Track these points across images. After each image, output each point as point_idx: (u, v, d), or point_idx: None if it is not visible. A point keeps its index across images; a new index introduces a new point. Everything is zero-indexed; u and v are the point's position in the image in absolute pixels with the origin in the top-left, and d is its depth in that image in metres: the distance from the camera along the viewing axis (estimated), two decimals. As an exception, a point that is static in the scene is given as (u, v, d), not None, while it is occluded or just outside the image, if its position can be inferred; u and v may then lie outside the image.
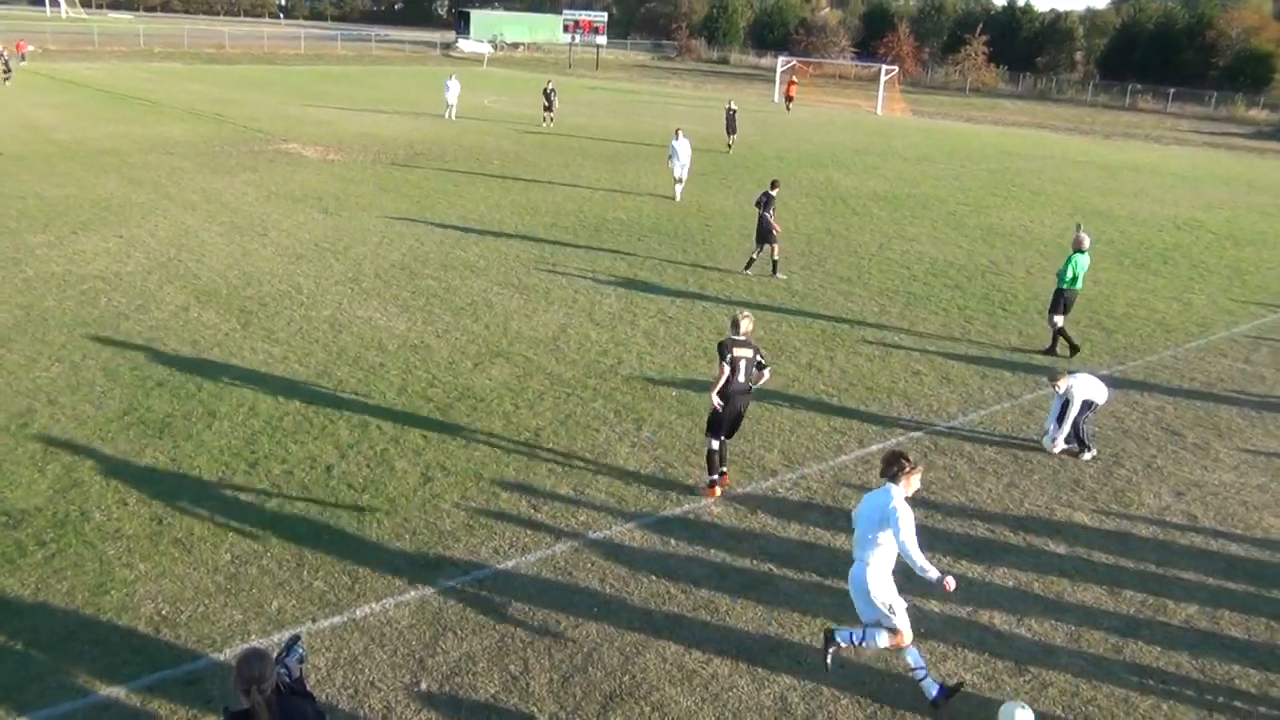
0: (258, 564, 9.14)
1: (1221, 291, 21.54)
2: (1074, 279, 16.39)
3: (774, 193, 20.34)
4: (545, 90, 44.11)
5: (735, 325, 10.86)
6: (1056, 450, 12.61)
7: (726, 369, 10.57)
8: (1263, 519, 11.22)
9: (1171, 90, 79.97)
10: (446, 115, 44.37)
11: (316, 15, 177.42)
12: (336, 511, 10.14)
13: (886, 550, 7.54)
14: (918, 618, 8.90)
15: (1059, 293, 16.54)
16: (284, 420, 12.22)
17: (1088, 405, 12.38)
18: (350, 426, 12.16)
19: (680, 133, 28.17)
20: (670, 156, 28.01)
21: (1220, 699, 8.08)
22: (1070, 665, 8.39)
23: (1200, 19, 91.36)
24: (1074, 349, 16.59)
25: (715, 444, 10.94)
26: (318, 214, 23.77)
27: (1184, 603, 9.43)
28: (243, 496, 10.32)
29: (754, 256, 20.65)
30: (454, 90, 44.57)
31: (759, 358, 10.82)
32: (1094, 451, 12.59)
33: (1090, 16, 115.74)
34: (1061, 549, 10.30)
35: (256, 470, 10.90)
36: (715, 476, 11.04)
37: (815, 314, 17.99)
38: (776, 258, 20.47)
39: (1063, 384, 12.26)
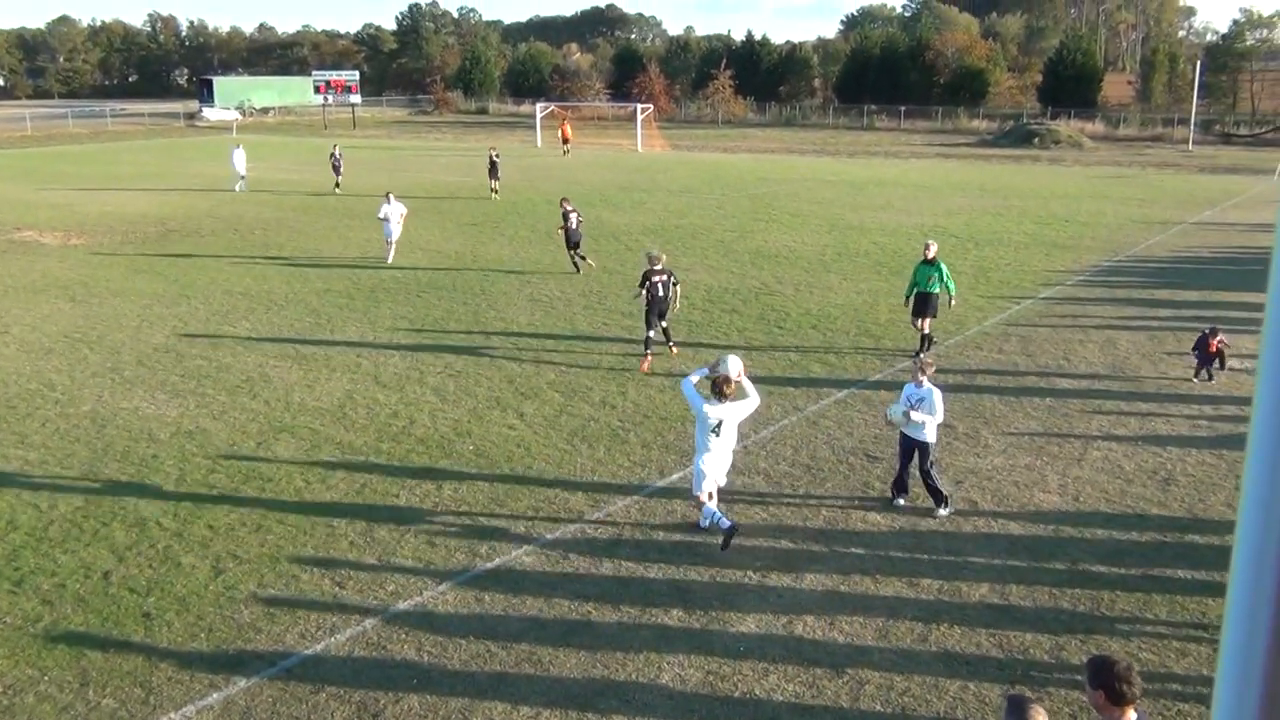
0: (34, 691, 8.33)
1: (970, 289, 23.21)
2: (912, 285, 17.75)
3: (567, 208, 24.89)
4: (332, 154, 42.43)
5: (651, 259, 17.39)
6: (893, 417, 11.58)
7: (643, 292, 17.17)
8: (1034, 496, 12.11)
9: (902, 108, 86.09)
10: (237, 187, 41.84)
11: (41, 94, 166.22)
12: (120, 620, 9.39)
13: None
14: (734, 637, 9.09)
15: (919, 299, 17.64)
16: (49, 530, 11.24)
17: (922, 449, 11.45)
18: (126, 527, 11.32)
19: (391, 196, 27.04)
20: (382, 220, 26.62)
21: (1020, 670, 8.63)
22: (882, 661, 8.75)
23: (919, 42, 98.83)
24: (923, 345, 17.65)
25: (651, 333, 17.15)
26: (64, 303, 22.14)
27: (976, 584, 10.03)
28: (9, 619, 9.40)
29: (576, 259, 25.15)
30: (241, 159, 42.25)
31: (672, 279, 17.30)
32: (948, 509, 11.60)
33: (823, 45, 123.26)
34: (861, 550, 10.76)
35: (22, 588, 9.97)
36: (647, 355, 17.09)
37: (603, 352, 18.19)
38: (582, 255, 25.31)
39: (929, 374, 11.46)
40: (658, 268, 17.19)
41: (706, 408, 10.66)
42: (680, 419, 14.69)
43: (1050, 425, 14.54)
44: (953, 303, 18.24)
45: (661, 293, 17.15)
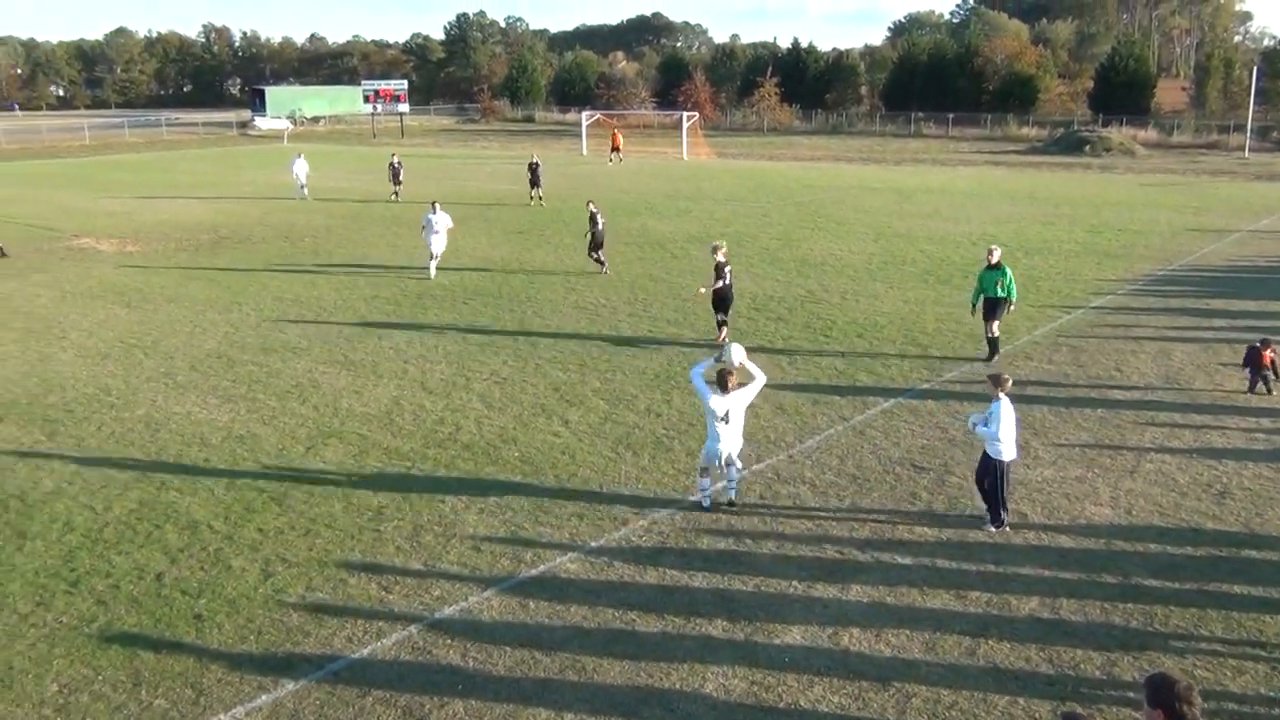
0: (89, 690, 8.49)
1: (1019, 299, 22.88)
2: (978, 292, 18.02)
3: (593, 209, 26.31)
4: (391, 163, 42.92)
5: (717, 250, 19.43)
6: (970, 426, 11.49)
7: (720, 280, 19.16)
8: (1085, 509, 11.92)
9: (950, 116, 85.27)
10: (299, 196, 42.43)
11: (99, 104, 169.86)
12: (172, 621, 9.54)
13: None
14: (779, 648, 9.04)
15: (986, 304, 17.92)
16: (104, 531, 11.46)
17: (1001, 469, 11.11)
18: (178, 529, 11.51)
19: (437, 205, 26.24)
20: (424, 230, 25.92)
21: (1070, 686, 8.49)
22: (929, 675, 8.65)
23: (968, 49, 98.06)
24: (992, 353, 17.97)
25: (720, 316, 19.43)
26: (120, 309, 22.57)
27: (1025, 598, 9.89)
28: (65, 619, 9.59)
29: (599, 259, 26.15)
30: (303, 168, 42.90)
31: None
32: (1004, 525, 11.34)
33: (870, 53, 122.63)
34: (908, 560, 10.66)
35: (78, 589, 10.16)
36: (721, 331, 19.25)
37: (648, 359, 18.20)
38: (602, 257, 26.33)
39: (1004, 388, 11.14)
40: (727, 262, 19.45)
41: (713, 400, 11.52)
42: (725, 427, 14.65)
43: (1102, 437, 14.31)
44: (1011, 308, 18.20)
45: (728, 280, 19.33)
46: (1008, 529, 11.28)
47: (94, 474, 13.14)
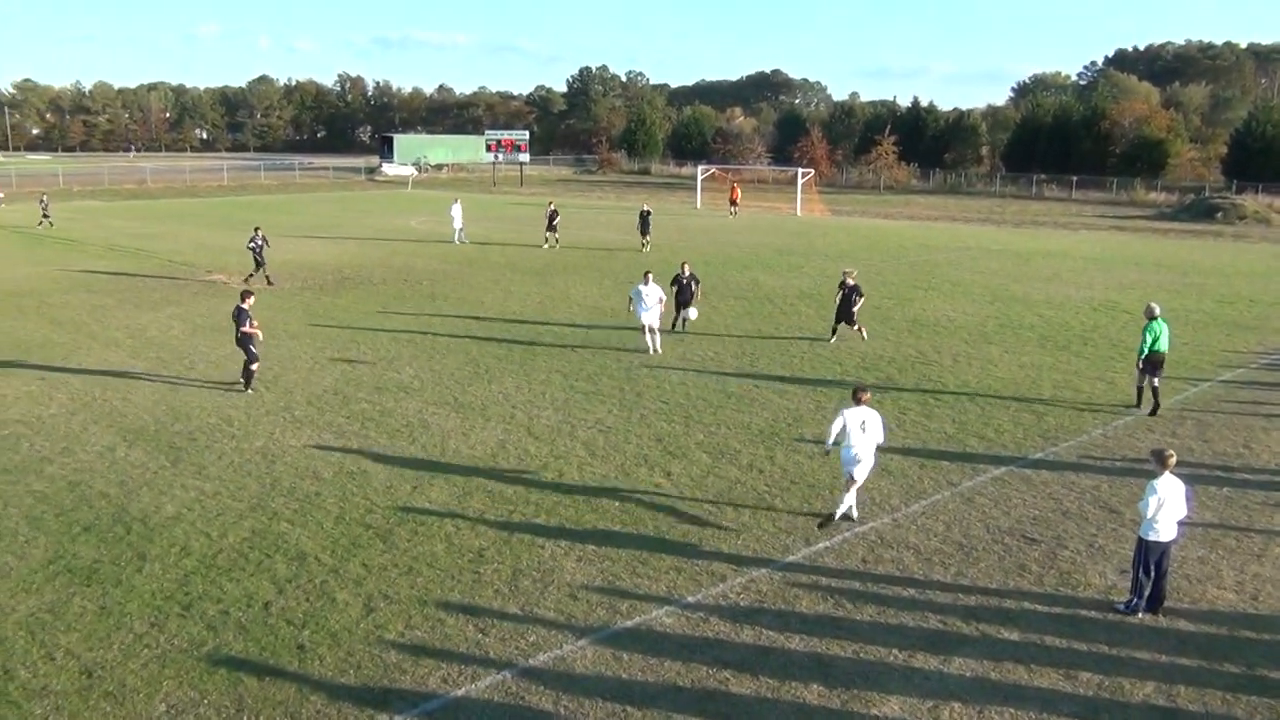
0: (194, 713, 8.74)
1: (1142, 356, 22.07)
2: (1154, 342, 18.43)
3: (683, 272, 25.52)
4: (548, 212, 44.65)
5: (848, 275, 24.47)
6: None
7: (853, 297, 24.01)
8: (1207, 591, 11.36)
9: (1074, 179, 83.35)
10: (456, 239, 44.85)
11: (239, 147, 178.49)
12: (276, 650, 9.79)
13: None
14: (876, 719, 8.79)
15: (1144, 357, 18.60)
16: (218, 558, 11.85)
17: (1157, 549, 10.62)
18: (288, 560, 11.83)
19: (649, 276, 23.24)
20: (632, 300, 23.33)
21: (1185, 779, 8.05)
22: (1034, 755, 8.31)
23: (1095, 111, 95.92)
24: (1139, 404, 18.91)
25: (835, 325, 24.50)
26: (246, 344, 23.48)
27: (1140, 682, 9.44)
28: (176, 641, 9.93)
29: (680, 317, 25.22)
30: (459, 213, 45.38)
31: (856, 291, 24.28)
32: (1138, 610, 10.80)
33: (992, 113, 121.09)
34: (1014, 635, 10.29)
35: (190, 613, 10.52)
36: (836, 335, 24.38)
37: (753, 414, 18.10)
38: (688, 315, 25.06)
39: (1166, 464, 10.75)
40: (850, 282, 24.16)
41: (848, 413, 12.74)
42: (829, 486, 14.44)
43: (1227, 517, 13.65)
44: (1139, 361, 18.64)
45: (855, 299, 24.03)
46: (1139, 615, 10.72)
47: (212, 501, 13.63)
